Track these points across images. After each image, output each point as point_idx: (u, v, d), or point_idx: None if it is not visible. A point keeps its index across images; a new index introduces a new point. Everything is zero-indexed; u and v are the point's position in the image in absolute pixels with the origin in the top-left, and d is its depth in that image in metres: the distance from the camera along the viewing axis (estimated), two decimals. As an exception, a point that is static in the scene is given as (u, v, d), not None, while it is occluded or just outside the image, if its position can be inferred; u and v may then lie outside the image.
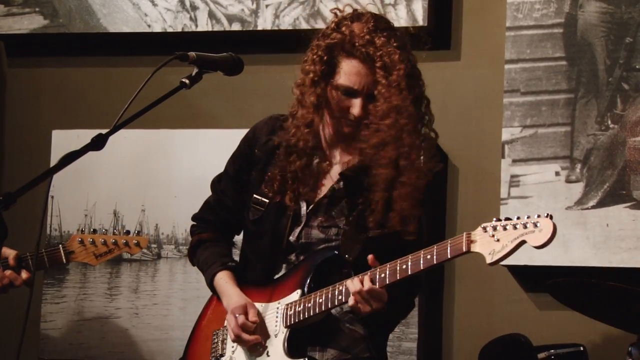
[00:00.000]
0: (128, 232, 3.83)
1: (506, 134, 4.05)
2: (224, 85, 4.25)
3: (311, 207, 3.26)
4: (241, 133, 4.31)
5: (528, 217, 2.92)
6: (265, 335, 3.23)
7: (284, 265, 3.29)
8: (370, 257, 3.07)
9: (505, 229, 2.93)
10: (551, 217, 2.89)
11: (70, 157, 2.76)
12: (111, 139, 2.81)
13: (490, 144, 4.11)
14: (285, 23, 4.33)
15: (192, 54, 3.00)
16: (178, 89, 2.96)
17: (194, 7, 4.43)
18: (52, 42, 4.62)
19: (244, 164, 3.39)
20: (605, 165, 3.96)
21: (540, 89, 4.05)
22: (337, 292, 3.12)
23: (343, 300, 3.11)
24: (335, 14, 3.29)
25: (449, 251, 2.99)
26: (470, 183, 4.16)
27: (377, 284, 3.04)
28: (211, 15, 4.42)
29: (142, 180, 4.41)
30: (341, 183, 3.24)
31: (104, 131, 2.80)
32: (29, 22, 4.59)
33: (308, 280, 3.20)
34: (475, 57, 4.20)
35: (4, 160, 4.68)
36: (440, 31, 4.22)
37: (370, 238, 3.17)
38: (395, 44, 3.19)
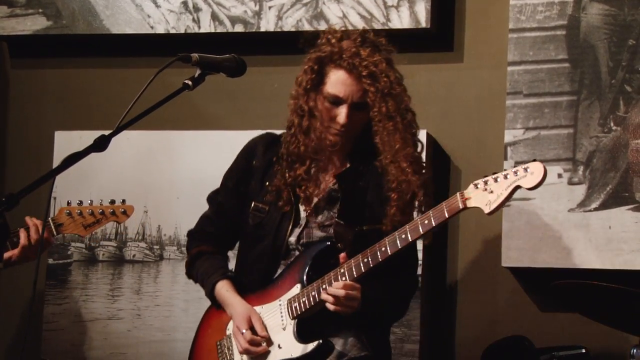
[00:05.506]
0: (113, 202, 3.83)
1: (509, 136, 4.05)
2: (227, 87, 4.25)
3: (310, 209, 3.40)
4: (244, 134, 4.31)
5: (516, 166, 3.15)
6: (274, 332, 3.33)
7: (280, 269, 3.41)
8: (342, 255, 3.26)
9: (496, 180, 3.14)
10: (540, 161, 3.12)
11: (72, 158, 2.76)
12: (114, 140, 2.81)
13: (493, 145, 4.11)
14: (288, 25, 4.33)
15: (195, 55, 3.00)
16: (181, 90, 2.96)
17: (197, 9, 4.43)
18: (55, 43, 4.62)
19: (243, 176, 3.53)
20: (608, 167, 3.96)
21: (543, 91, 4.05)
22: (338, 275, 3.24)
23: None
24: (328, 31, 3.48)
25: (445, 212, 3.17)
26: (472, 185, 4.16)
27: (380, 256, 3.20)
28: (214, 16, 4.42)
29: (144, 182, 4.41)
30: (336, 185, 3.39)
31: (106, 132, 2.80)
32: (32, 23, 4.59)
33: (306, 272, 3.31)
34: (478, 59, 4.20)
35: (6, 161, 4.68)
36: (443, 33, 4.23)
37: (362, 230, 3.33)
38: (380, 56, 3.38)
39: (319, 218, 3.40)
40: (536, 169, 3.09)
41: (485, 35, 4.21)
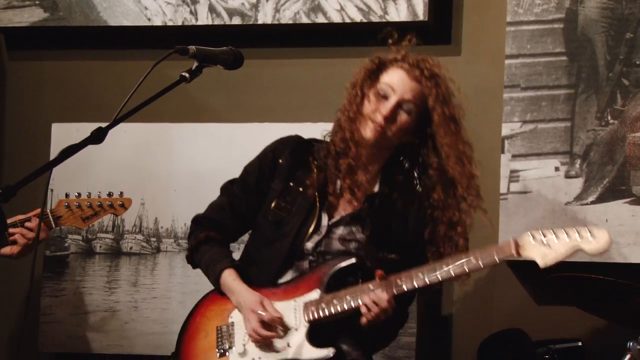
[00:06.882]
0: (111, 194, 3.84)
1: (506, 129, 4.06)
2: (224, 79, 4.25)
3: (333, 220, 3.41)
4: (241, 127, 4.32)
5: (579, 228, 3.11)
6: (284, 329, 3.33)
7: (291, 271, 3.41)
8: (378, 272, 3.25)
9: (557, 237, 3.11)
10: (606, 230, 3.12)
11: (70, 151, 2.76)
12: (111, 132, 2.81)
13: (490, 138, 4.11)
14: (286, 17, 4.32)
15: (192, 47, 3.00)
16: (178, 82, 2.96)
17: (195, 1, 4.43)
18: (52, 35, 4.62)
19: (267, 173, 3.49)
20: (605, 160, 3.96)
21: (541, 84, 4.05)
22: (367, 290, 3.26)
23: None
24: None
25: (496, 256, 3.15)
26: (469, 178, 4.16)
27: (417, 284, 3.20)
28: (211, 9, 4.42)
29: (141, 174, 4.41)
30: (366, 204, 3.40)
31: (103, 125, 2.81)
32: (29, 15, 4.59)
33: (327, 281, 3.33)
34: (475, 52, 4.20)
35: (3, 153, 4.68)
36: (440, 26, 4.22)
37: (389, 257, 3.36)
38: (442, 67, 3.43)
39: (341, 230, 3.41)
40: (602, 237, 3.09)
41: (483, 29, 4.20)
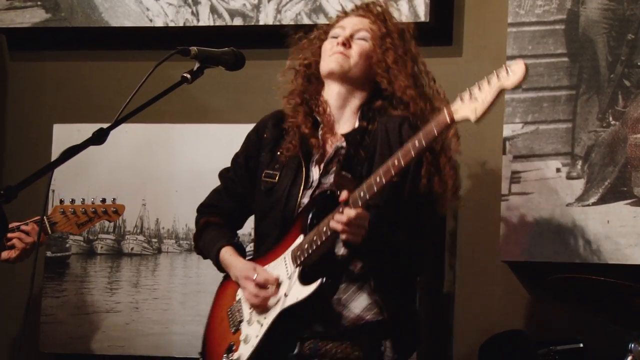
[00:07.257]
0: (104, 200, 3.87)
1: (507, 130, 4.06)
2: (226, 80, 4.24)
3: (321, 171, 3.42)
4: (242, 128, 4.31)
5: (498, 70, 3.07)
6: (280, 284, 3.34)
7: None
8: (342, 196, 3.20)
9: (480, 88, 3.08)
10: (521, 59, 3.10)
11: (71, 151, 2.76)
12: (112, 133, 2.81)
13: (492, 140, 4.11)
14: (287, 18, 4.33)
15: (194, 48, 3.01)
16: (179, 83, 2.97)
17: (196, 2, 4.43)
18: (53, 35, 4.62)
19: (253, 150, 3.55)
20: (606, 161, 3.96)
21: (542, 85, 4.05)
22: (337, 212, 3.22)
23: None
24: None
25: (434, 129, 3.12)
26: (471, 179, 4.16)
27: (375, 187, 3.15)
28: (213, 9, 4.42)
29: (143, 175, 4.42)
30: (344, 143, 3.41)
31: (105, 125, 2.81)
32: (31, 16, 4.59)
33: (308, 222, 3.32)
34: (477, 53, 4.20)
35: (5, 153, 4.68)
36: (442, 27, 4.23)
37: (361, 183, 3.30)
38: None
39: (330, 178, 3.40)
40: (518, 68, 3.05)
41: (484, 29, 4.20)
